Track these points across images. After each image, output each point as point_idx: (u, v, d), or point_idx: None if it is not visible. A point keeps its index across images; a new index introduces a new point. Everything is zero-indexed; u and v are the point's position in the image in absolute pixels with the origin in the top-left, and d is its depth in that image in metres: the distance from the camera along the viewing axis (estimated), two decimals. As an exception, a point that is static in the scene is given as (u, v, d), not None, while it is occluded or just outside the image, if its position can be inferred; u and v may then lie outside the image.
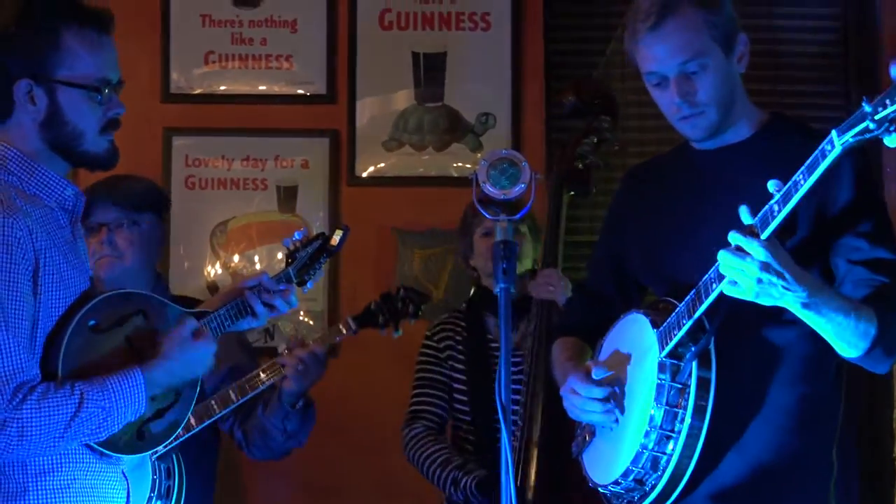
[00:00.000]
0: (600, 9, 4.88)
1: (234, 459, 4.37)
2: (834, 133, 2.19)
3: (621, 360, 2.71)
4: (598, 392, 2.66)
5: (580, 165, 3.74)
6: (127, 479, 2.62)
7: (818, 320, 2.42)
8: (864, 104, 2.11)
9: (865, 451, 4.78)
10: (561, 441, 3.06)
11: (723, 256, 2.35)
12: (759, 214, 2.33)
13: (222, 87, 4.82)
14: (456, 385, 3.91)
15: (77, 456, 2.48)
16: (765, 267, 2.31)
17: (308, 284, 3.04)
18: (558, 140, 4.60)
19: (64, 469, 2.45)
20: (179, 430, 2.66)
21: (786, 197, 2.28)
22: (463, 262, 4.08)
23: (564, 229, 3.78)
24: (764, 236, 2.32)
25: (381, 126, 4.82)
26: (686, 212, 2.74)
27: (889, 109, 2.07)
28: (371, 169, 4.81)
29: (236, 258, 4.78)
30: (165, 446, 2.75)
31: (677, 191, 2.79)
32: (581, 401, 2.69)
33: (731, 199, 2.58)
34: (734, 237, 2.33)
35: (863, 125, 2.12)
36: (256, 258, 4.78)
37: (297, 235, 3.06)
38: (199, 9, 4.84)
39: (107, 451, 2.49)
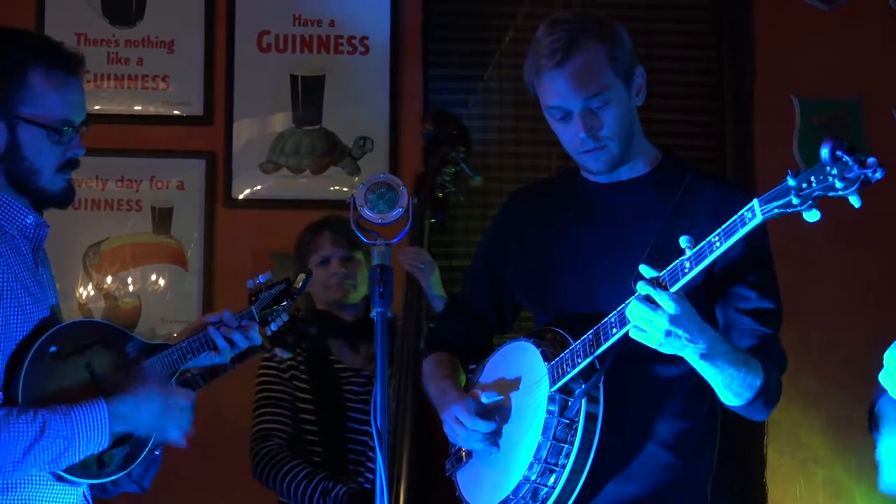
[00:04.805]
0: (479, 34, 4.92)
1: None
2: (756, 202, 2.22)
3: (507, 387, 2.71)
4: (483, 426, 2.66)
5: (440, 194, 3.76)
6: (89, 501, 2.60)
7: (711, 370, 2.47)
8: (788, 178, 2.16)
9: (737, 475, 4.84)
10: (429, 457, 3.06)
11: (634, 305, 2.35)
12: (669, 268, 2.35)
13: (97, 107, 4.73)
14: (302, 405, 3.89)
15: (34, 477, 2.44)
16: (674, 321, 2.33)
17: (272, 326, 3.03)
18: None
19: (19, 489, 2.43)
20: (142, 457, 2.63)
21: (699, 256, 2.31)
22: None
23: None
24: (673, 290, 2.33)
25: (258, 148, 4.80)
26: (576, 242, 2.73)
27: (814, 187, 2.12)
28: (247, 191, 4.79)
29: (109, 280, 4.72)
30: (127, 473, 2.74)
31: (568, 220, 2.78)
32: (464, 431, 2.68)
33: (623, 236, 2.63)
34: (644, 287, 2.34)
35: (786, 199, 2.16)
36: (130, 280, 4.72)
37: (261, 278, 3.05)
38: (74, 27, 4.78)
39: (66, 476, 2.46)
